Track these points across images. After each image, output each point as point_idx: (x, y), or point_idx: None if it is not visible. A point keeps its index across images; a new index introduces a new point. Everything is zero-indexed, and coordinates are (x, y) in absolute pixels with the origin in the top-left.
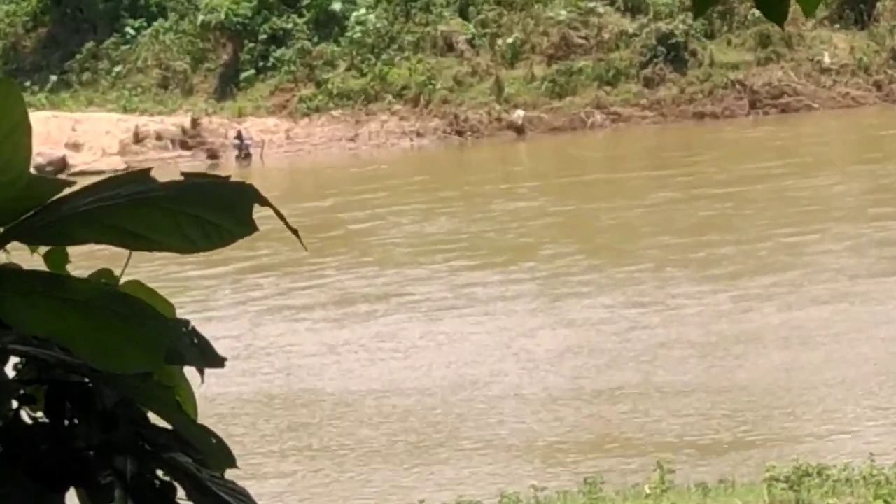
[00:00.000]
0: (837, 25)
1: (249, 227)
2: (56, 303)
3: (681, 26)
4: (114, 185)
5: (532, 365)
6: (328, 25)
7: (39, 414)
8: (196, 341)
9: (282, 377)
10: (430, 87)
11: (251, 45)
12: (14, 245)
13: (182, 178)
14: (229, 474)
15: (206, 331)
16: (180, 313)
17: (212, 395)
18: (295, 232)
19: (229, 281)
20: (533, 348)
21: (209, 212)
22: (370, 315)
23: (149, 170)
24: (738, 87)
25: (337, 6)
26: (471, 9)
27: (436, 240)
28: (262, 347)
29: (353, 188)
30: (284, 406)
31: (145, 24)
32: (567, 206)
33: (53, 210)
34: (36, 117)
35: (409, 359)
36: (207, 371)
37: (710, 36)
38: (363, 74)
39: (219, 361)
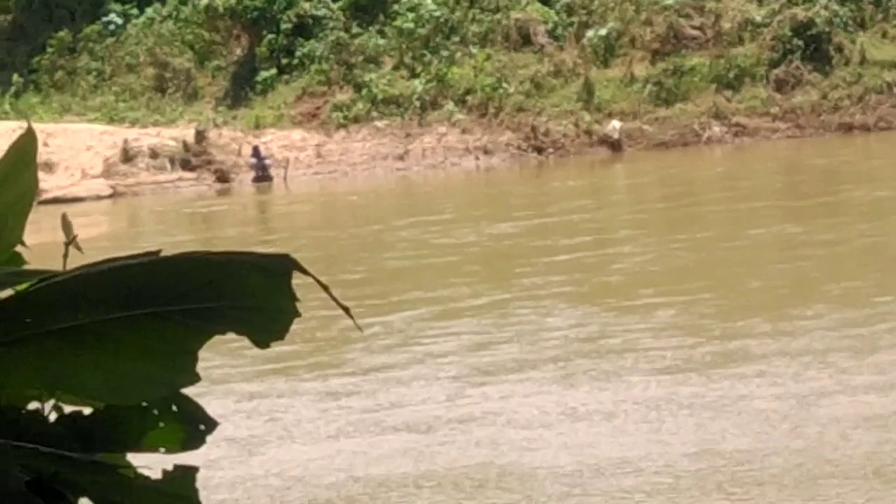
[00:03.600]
0: None
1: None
2: (56, 339)
3: (823, 13)
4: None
5: (832, 432)
6: (371, 12)
7: None
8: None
9: (487, 452)
10: (502, 91)
11: (271, 36)
12: None
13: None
14: None
15: (394, 397)
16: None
17: (391, 475)
18: (346, 310)
19: (414, 331)
20: (831, 414)
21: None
22: (599, 373)
23: (158, 251)
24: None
25: None
26: None
27: (681, 273)
28: (461, 417)
29: (542, 209)
30: (491, 486)
31: (136, 9)
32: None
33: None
34: None
35: (653, 426)
36: (388, 446)
37: (861, 25)
38: (416, 75)
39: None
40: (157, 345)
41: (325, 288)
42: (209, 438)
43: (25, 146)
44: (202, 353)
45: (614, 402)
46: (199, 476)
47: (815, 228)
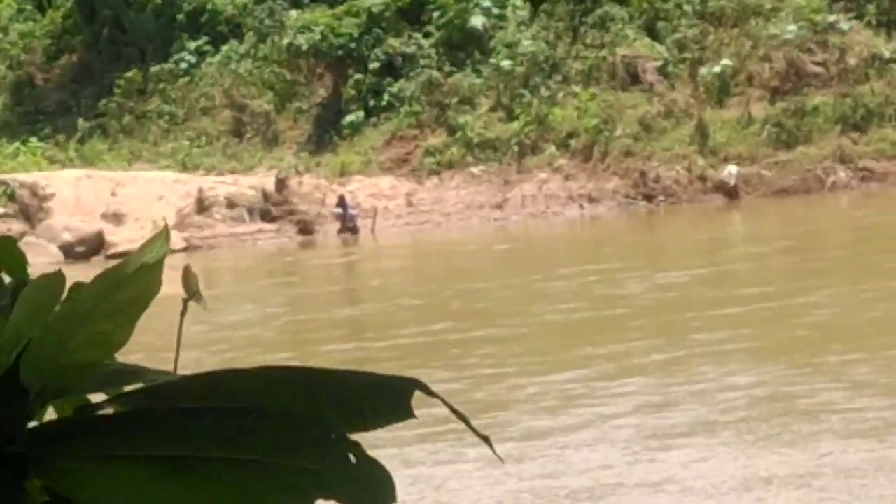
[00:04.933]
0: None
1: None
2: (154, 465)
3: None
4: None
5: None
6: (465, 49)
7: None
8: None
9: None
10: (607, 133)
11: (358, 76)
12: None
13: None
14: None
15: (563, 463)
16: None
17: None
18: (486, 440)
19: (582, 391)
20: None
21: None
22: (790, 436)
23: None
24: None
25: (478, 21)
26: (662, 25)
27: (875, 327)
28: (638, 484)
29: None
30: None
31: (211, 47)
32: None
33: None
34: (62, 178)
35: (853, 493)
36: None
37: None
38: (514, 117)
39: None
40: (263, 497)
41: (463, 418)
42: None
43: (156, 244)
44: None
45: (808, 468)
46: None
47: None
